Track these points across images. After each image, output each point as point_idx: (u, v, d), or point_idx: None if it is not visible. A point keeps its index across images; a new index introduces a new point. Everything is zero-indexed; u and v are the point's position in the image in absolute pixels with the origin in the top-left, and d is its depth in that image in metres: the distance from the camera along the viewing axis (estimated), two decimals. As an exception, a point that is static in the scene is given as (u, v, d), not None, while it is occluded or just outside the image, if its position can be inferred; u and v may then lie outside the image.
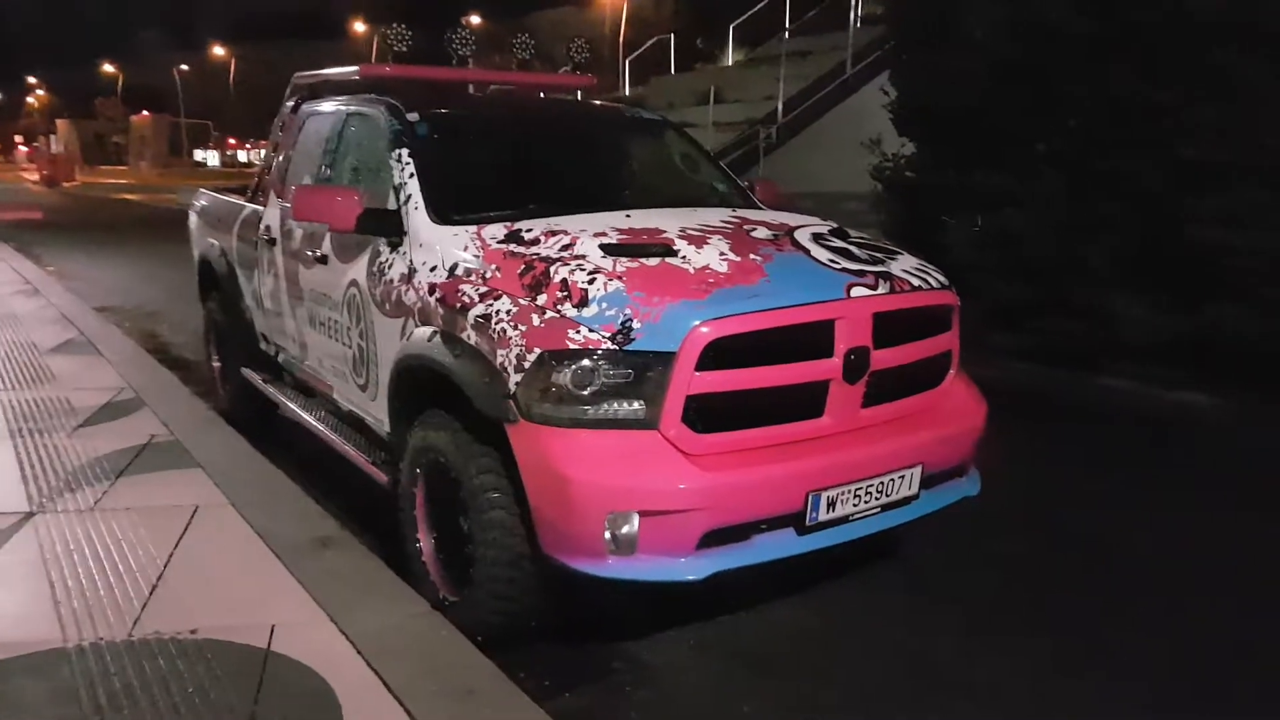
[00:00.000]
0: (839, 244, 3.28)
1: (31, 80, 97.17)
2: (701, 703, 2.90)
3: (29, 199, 32.32)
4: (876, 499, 2.97)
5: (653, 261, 2.99)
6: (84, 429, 5.04)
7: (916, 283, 3.15)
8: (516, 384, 2.78)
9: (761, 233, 3.30)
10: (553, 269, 2.96)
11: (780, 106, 15.56)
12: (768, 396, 2.81)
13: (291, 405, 4.74)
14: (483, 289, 3.04)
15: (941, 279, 3.29)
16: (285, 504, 4.03)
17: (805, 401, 2.90)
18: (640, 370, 2.71)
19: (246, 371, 5.40)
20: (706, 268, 2.95)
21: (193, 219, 6.36)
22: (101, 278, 12.35)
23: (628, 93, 22.18)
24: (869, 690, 2.96)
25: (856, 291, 2.96)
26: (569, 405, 2.73)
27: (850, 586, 3.63)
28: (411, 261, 3.44)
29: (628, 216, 3.44)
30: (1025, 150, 7.36)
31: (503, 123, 4.29)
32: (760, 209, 4.08)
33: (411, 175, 3.66)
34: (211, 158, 68.79)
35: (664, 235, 3.18)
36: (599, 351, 2.70)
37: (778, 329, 2.79)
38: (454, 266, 3.24)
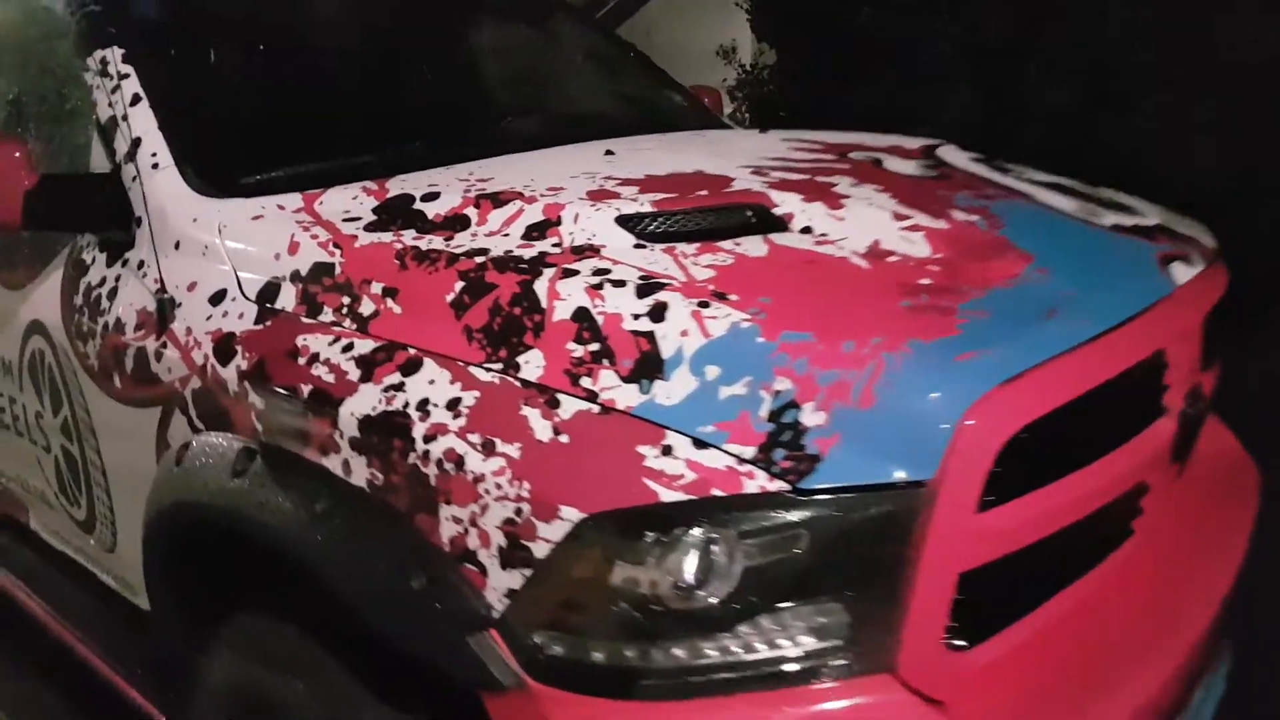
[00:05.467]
0: (1035, 175, 1.74)
1: None
2: None
3: None
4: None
5: (755, 247, 1.33)
6: None
7: (1210, 243, 1.67)
8: (509, 598, 1.08)
9: (897, 164, 1.70)
10: (542, 285, 1.24)
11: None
12: (1070, 528, 1.25)
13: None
14: (367, 345, 1.28)
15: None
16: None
17: (1113, 517, 1.37)
18: (839, 536, 1.07)
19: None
20: (876, 249, 1.33)
21: None
22: None
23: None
24: None
25: (1178, 273, 1.44)
26: (666, 643, 1.07)
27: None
28: (162, 282, 1.58)
29: (609, 154, 1.74)
30: (911, 58, 6.10)
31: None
32: (750, 130, 2.47)
33: (137, 99, 1.75)
34: None
35: (734, 186, 1.51)
36: (742, 500, 1.05)
37: (1106, 383, 1.23)
38: (272, 289, 1.43)
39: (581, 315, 1.20)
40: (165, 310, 1.55)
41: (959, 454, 1.08)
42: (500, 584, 1.10)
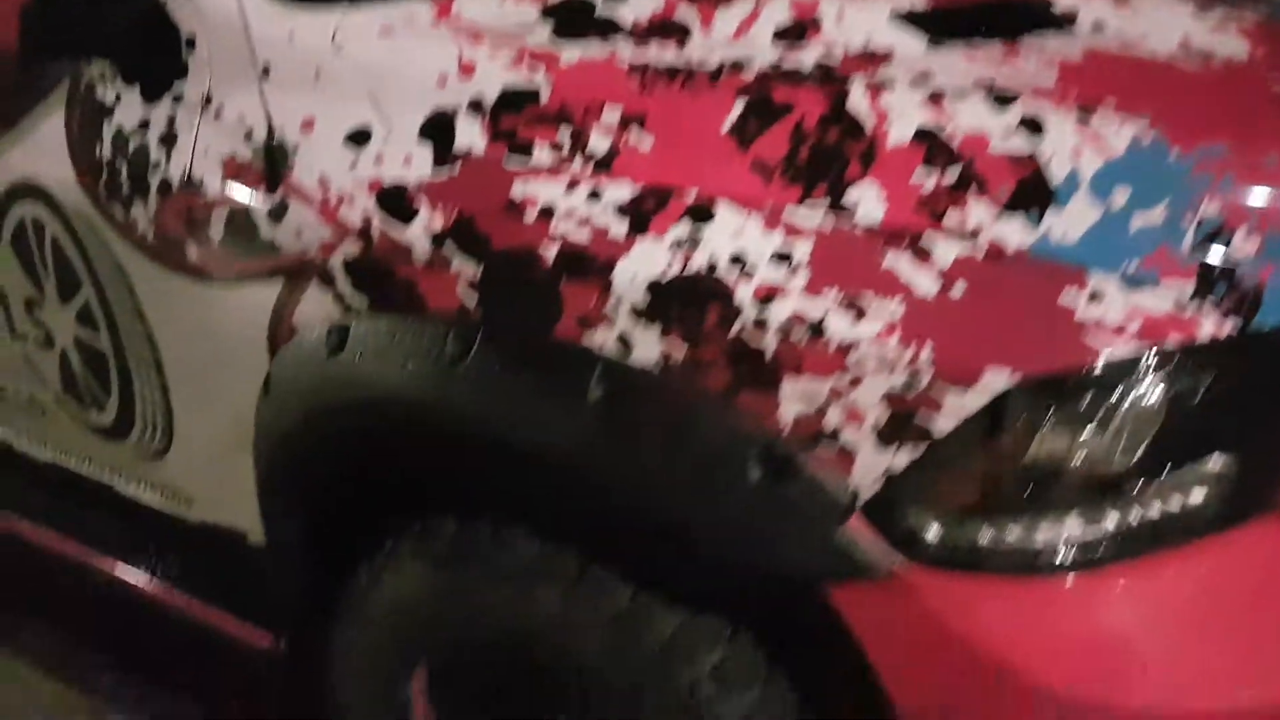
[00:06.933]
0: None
1: None
2: None
3: None
4: None
5: (1064, 47, 1.12)
6: None
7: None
8: (885, 479, 0.90)
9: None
10: (858, 101, 1.00)
11: None
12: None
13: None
14: (622, 190, 1.00)
15: None
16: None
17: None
18: (1269, 378, 0.94)
19: None
20: (1194, 48, 1.14)
21: None
22: None
23: None
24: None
25: None
26: (1072, 515, 0.92)
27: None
28: (266, 119, 1.21)
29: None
30: None
31: None
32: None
33: None
34: None
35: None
36: (1194, 349, 0.89)
37: None
38: (442, 124, 1.11)
39: (926, 136, 0.97)
40: (275, 157, 1.20)
41: None
42: (875, 465, 0.91)
